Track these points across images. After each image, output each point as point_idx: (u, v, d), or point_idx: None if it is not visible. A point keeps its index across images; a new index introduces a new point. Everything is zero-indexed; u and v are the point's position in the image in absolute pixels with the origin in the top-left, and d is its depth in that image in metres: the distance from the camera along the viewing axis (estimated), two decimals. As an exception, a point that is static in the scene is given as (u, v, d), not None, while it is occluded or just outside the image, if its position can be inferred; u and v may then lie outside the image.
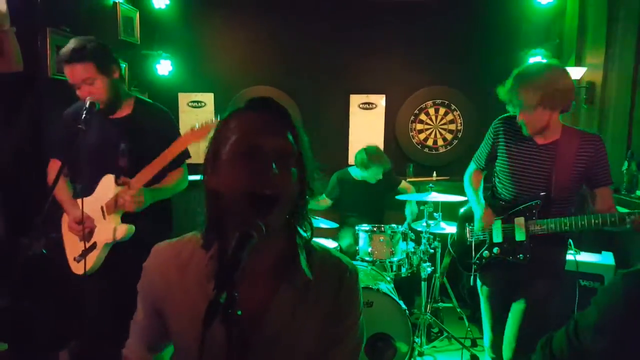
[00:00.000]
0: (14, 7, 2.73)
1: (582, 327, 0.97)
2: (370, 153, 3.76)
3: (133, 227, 2.24)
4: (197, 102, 4.80)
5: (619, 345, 0.88)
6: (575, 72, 3.48)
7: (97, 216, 2.27)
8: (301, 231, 1.02)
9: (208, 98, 4.78)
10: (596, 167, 2.04)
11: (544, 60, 2.07)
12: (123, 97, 2.31)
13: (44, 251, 2.30)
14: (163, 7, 4.51)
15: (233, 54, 4.77)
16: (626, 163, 2.92)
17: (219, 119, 1.03)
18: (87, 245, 2.29)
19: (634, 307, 0.84)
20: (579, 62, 3.59)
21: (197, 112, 4.79)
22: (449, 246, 2.59)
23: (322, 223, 3.60)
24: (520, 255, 2.16)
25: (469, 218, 2.44)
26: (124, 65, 4.26)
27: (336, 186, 3.98)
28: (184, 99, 4.81)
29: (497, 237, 2.25)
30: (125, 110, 2.32)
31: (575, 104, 2.11)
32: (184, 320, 0.99)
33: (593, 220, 1.97)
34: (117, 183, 2.21)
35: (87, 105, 2.14)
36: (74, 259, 2.34)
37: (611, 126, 3.30)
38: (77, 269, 2.33)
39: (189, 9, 4.64)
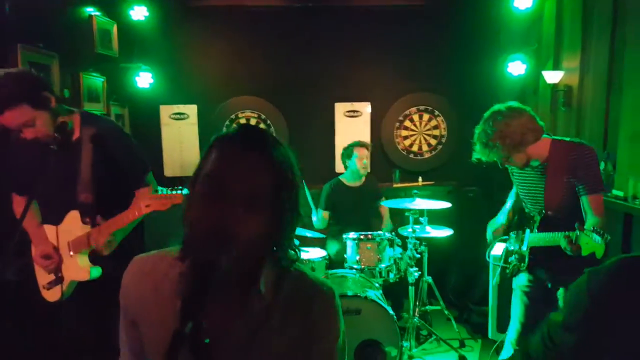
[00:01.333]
0: None
1: (553, 326, 1.02)
2: (350, 143, 4.04)
3: (100, 270, 2.21)
4: (180, 114, 4.90)
5: (587, 341, 0.93)
6: (553, 76, 3.68)
7: (64, 250, 2.25)
8: (280, 258, 1.02)
9: (191, 110, 4.88)
10: (580, 174, 2.19)
11: (492, 109, 2.30)
12: (69, 121, 2.17)
13: (14, 277, 2.36)
14: (142, 18, 4.52)
15: (216, 65, 4.85)
16: (603, 164, 3.10)
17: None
18: (56, 277, 2.28)
19: (598, 304, 0.89)
20: (556, 66, 3.79)
21: (180, 125, 4.89)
22: (487, 255, 2.76)
23: (309, 233, 3.73)
24: (522, 263, 2.42)
25: (514, 227, 2.68)
26: (102, 79, 4.26)
27: (329, 195, 4.12)
28: (165, 111, 4.90)
29: (516, 246, 2.53)
30: (74, 133, 2.21)
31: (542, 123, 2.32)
32: (155, 334, 1.00)
33: (546, 238, 2.21)
34: (84, 222, 2.16)
35: (58, 125, 2.08)
36: (43, 286, 2.34)
37: (588, 128, 3.49)
38: (48, 296, 2.34)
39: (169, 20, 4.70)
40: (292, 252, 1.03)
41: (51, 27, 3.55)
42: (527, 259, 2.38)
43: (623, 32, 3.26)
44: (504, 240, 2.67)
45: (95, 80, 4.21)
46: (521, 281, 2.55)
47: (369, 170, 4.10)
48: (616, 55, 3.32)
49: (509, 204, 2.74)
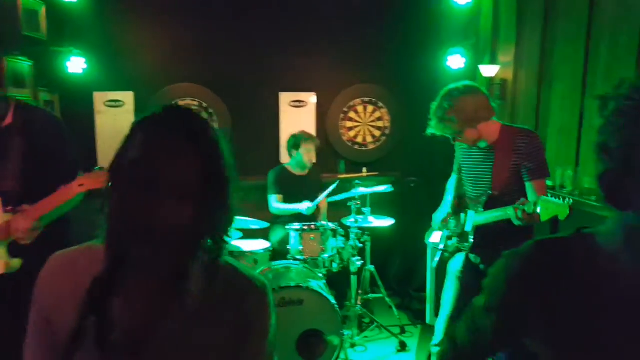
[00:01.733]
0: None
1: (475, 311, 1.04)
2: (297, 133, 4.06)
3: (19, 262, 2.11)
4: (115, 101, 4.69)
5: (505, 324, 0.96)
6: (490, 70, 3.83)
7: None
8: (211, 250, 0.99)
9: (127, 97, 4.68)
10: (526, 161, 2.32)
11: (450, 86, 2.42)
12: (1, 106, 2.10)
13: None
14: (74, 0, 4.33)
15: (155, 50, 4.68)
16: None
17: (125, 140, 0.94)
18: None
19: (513, 288, 0.91)
20: (493, 60, 3.94)
21: (116, 112, 4.69)
22: (426, 238, 2.94)
23: (253, 224, 3.70)
24: (466, 244, 2.51)
25: (453, 211, 2.79)
26: (29, 63, 4.05)
27: (277, 180, 4.11)
28: (100, 98, 4.68)
29: (459, 228, 2.65)
30: (6, 120, 2.12)
31: (494, 104, 2.45)
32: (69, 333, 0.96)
33: (492, 214, 2.29)
34: (5, 210, 2.05)
35: None
36: None
37: (522, 120, 3.66)
38: None
39: (104, 3, 4.48)
40: (223, 246, 0.99)
41: None
42: (470, 239, 2.47)
43: (554, 29, 3.44)
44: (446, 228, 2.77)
45: (21, 64, 3.98)
46: (455, 267, 2.68)
47: (314, 162, 4.12)
48: (547, 51, 3.49)
49: (450, 195, 2.83)
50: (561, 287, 0.86)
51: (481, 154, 2.49)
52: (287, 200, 4.08)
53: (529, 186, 2.34)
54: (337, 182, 3.93)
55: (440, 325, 2.72)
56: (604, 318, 0.83)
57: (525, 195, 2.33)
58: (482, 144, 2.45)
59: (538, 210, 2.02)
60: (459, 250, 2.60)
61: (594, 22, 3.03)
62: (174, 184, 0.86)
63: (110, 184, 0.90)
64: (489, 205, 2.39)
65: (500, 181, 2.38)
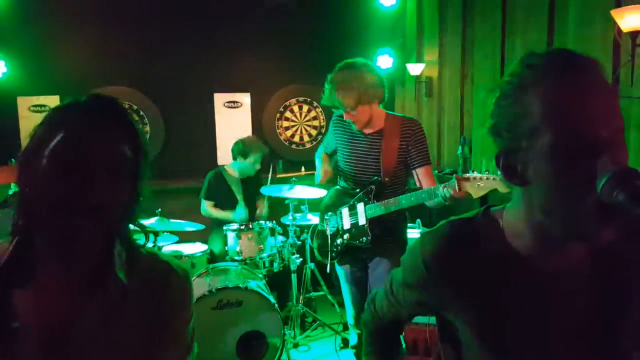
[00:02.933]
0: None
1: (394, 284, 1.08)
2: (245, 140, 3.86)
3: None
4: (41, 106, 4.36)
5: (426, 300, 1.00)
6: (416, 68, 3.86)
7: None
8: (134, 235, 0.99)
9: (53, 101, 4.36)
10: (414, 148, 2.24)
11: (352, 60, 2.32)
12: None
13: None
14: (-7, 0, 4.01)
15: (81, 52, 4.40)
16: (460, 148, 3.32)
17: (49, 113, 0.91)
18: None
19: (430, 267, 0.93)
20: (419, 59, 3.98)
21: (41, 117, 4.30)
22: (307, 236, 2.68)
23: (188, 226, 3.52)
24: (363, 238, 2.33)
25: (328, 208, 2.57)
26: None
27: (211, 186, 3.93)
28: (24, 103, 4.34)
29: (346, 224, 2.42)
30: None
31: (387, 96, 2.32)
32: None
33: (411, 198, 2.18)
34: None
35: None
36: None
37: (447, 116, 3.71)
38: None
39: (27, 4, 4.19)
40: (141, 232, 1.00)
41: None
42: (369, 231, 2.30)
43: (472, 29, 3.51)
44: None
45: None
46: (344, 269, 2.51)
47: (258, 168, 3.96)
48: (467, 50, 3.56)
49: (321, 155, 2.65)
50: (473, 265, 0.88)
51: (366, 141, 2.32)
52: (221, 203, 3.92)
53: (419, 172, 2.27)
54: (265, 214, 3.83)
55: (351, 325, 2.58)
56: (510, 294, 0.85)
57: (404, 185, 2.30)
58: (367, 129, 2.32)
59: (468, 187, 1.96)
60: (349, 247, 2.41)
61: (507, 22, 3.11)
62: (107, 162, 0.86)
63: (25, 168, 0.87)
64: (377, 193, 2.28)
65: (389, 168, 2.27)
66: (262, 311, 2.92)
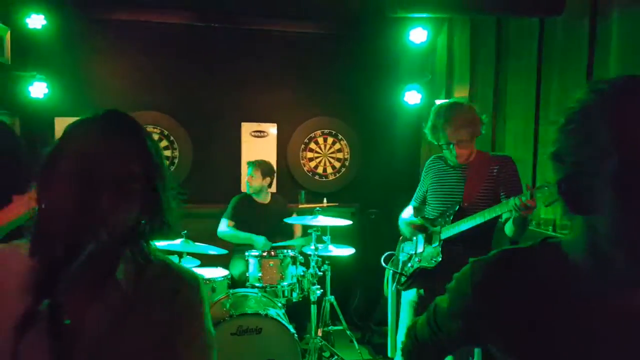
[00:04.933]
0: None
1: (438, 312, 0.99)
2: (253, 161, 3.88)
3: None
4: (77, 127, 4.34)
5: (470, 330, 0.90)
6: (445, 104, 3.71)
7: None
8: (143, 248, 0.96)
9: (89, 123, 4.34)
10: (506, 183, 2.23)
11: (451, 100, 2.40)
12: None
13: None
14: (39, 27, 4.03)
15: (118, 78, 4.40)
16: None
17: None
18: None
19: (479, 295, 0.86)
20: (448, 96, 3.85)
21: (76, 138, 4.32)
22: (382, 261, 2.65)
23: (211, 250, 3.35)
24: (433, 260, 2.25)
25: (405, 238, 2.59)
26: None
27: (235, 206, 3.82)
28: (61, 123, 4.27)
29: (420, 248, 2.39)
30: None
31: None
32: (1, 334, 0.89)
33: (484, 213, 2.11)
34: None
35: None
36: None
37: (477, 153, 3.53)
38: None
39: (68, 31, 4.21)
40: (153, 243, 0.98)
41: None
42: (441, 253, 2.24)
43: (505, 67, 3.38)
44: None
45: None
46: (410, 295, 2.42)
47: (255, 190, 3.84)
48: (500, 88, 3.42)
49: (410, 210, 2.64)
50: (526, 297, 0.81)
51: (454, 173, 2.38)
52: (244, 227, 3.78)
53: None
54: (301, 241, 3.68)
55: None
56: (566, 333, 0.77)
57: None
58: (455, 162, 2.36)
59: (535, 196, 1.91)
60: (419, 271, 2.34)
61: (544, 60, 2.98)
62: (114, 178, 0.85)
63: (44, 182, 0.87)
64: (457, 217, 2.24)
65: (472, 195, 2.27)
66: (281, 340, 2.73)
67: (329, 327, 3.60)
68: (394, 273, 2.52)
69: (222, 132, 4.59)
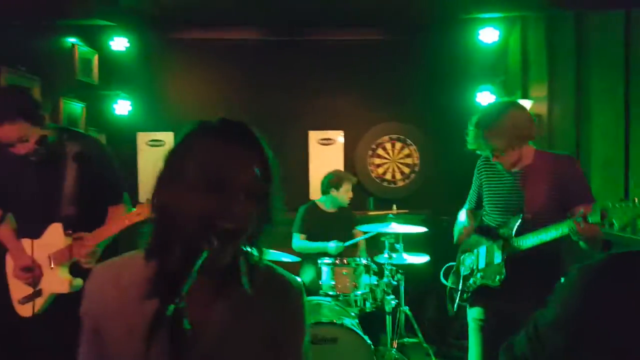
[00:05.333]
0: None
1: (541, 326, 0.92)
2: (335, 172, 3.83)
3: (81, 281, 2.11)
4: (156, 140, 4.60)
5: (578, 340, 0.83)
6: (523, 105, 3.53)
7: (44, 263, 2.14)
8: (252, 250, 0.98)
9: (168, 137, 4.57)
10: (571, 185, 1.97)
11: (496, 100, 2.11)
12: (58, 134, 2.16)
13: None
14: (122, 49, 4.35)
15: (192, 93, 4.63)
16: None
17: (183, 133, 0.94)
18: (34, 290, 2.15)
19: (590, 299, 0.80)
20: (524, 96, 3.66)
21: (156, 151, 4.57)
22: (441, 276, 2.47)
23: (284, 257, 3.39)
24: (497, 277, 2.04)
25: (466, 249, 2.38)
26: (81, 105, 4.13)
27: (304, 219, 3.84)
28: (142, 138, 4.60)
29: (481, 263, 2.18)
30: (59, 148, 2.14)
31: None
32: (120, 341, 0.93)
33: (550, 231, 1.86)
34: (66, 234, 2.08)
35: (38, 139, 2.00)
36: (18, 301, 2.16)
37: (559, 154, 3.31)
38: (21, 311, 2.19)
39: (148, 51, 4.51)
40: (259, 247, 0.99)
41: (35, 53, 3.52)
42: (503, 270, 2.02)
43: (587, 63, 3.15)
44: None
45: (75, 106, 4.11)
46: (475, 313, 2.21)
47: (338, 201, 3.82)
48: (583, 86, 3.18)
49: (464, 214, 2.45)
50: (636, 305, 0.75)
51: (511, 179, 2.10)
52: (315, 237, 3.78)
53: (577, 211, 1.92)
54: (372, 233, 3.58)
55: None
56: None
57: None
58: (515, 167, 2.09)
59: (606, 217, 1.62)
60: (482, 288, 2.14)
61: (631, 54, 2.73)
62: (244, 184, 0.87)
63: (163, 189, 0.90)
64: (521, 231, 2.00)
65: (534, 206, 2.01)
66: (357, 351, 2.68)
67: (404, 339, 3.50)
68: (454, 290, 2.32)
69: (290, 141, 4.65)
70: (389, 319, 3.20)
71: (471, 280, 2.21)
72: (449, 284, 2.38)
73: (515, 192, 2.09)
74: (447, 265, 2.46)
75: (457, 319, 3.64)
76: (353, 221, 3.91)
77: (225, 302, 0.93)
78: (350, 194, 3.79)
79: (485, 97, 3.83)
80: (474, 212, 2.43)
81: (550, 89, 3.43)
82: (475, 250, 2.24)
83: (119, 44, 4.32)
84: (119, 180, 2.29)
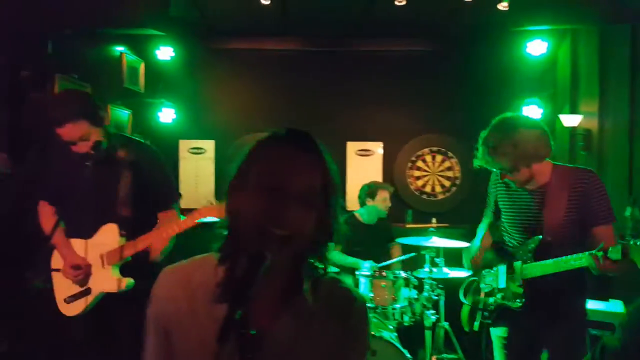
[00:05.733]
0: (27, 54, 2.98)
1: (609, 351, 0.90)
2: (371, 182, 3.85)
3: (133, 281, 2.17)
4: (198, 148, 4.71)
5: None
6: (571, 120, 3.44)
7: (94, 262, 2.19)
8: (316, 263, 0.98)
9: (209, 145, 4.69)
10: (591, 203, 1.88)
11: (507, 115, 2.03)
12: (116, 140, 2.25)
13: (45, 285, 2.27)
14: (167, 58, 4.49)
15: (234, 103, 4.73)
16: (629, 209, 2.81)
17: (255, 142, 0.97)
18: (81, 289, 2.19)
19: None
20: (573, 110, 3.56)
21: (197, 159, 4.69)
22: (460, 293, 2.38)
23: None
24: (517, 300, 1.99)
25: (486, 265, 2.30)
26: (128, 112, 4.27)
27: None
28: (184, 145, 4.72)
29: (501, 283, 2.11)
30: (118, 153, 2.23)
31: (554, 145, 2.01)
32: (191, 345, 0.95)
33: (572, 261, 1.80)
34: (121, 235, 2.15)
35: (92, 145, 2.10)
36: (64, 300, 2.21)
37: (611, 172, 3.21)
38: (66, 310, 2.23)
39: (192, 60, 4.64)
40: (324, 259, 0.98)
41: (86, 61, 3.70)
42: (523, 294, 1.97)
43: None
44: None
45: (122, 113, 4.24)
46: (499, 331, 2.18)
47: (378, 211, 3.81)
48: (637, 99, 3.08)
49: (480, 235, 2.34)
50: None
51: (528, 197, 2.02)
52: (350, 249, 3.77)
53: (597, 232, 1.87)
54: (411, 255, 3.55)
55: None
56: None
57: (578, 247, 1.85)
58: (531, 185, 2.00)
59: (627, 255, 1.58)
60: (502, 308, 2.08)
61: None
62: (300, 192, 0.88)
63: (232, 195, 0.92)
64: (540, 253, 1.93)
65: (554, 227, 1.93)
66: (397, 366, 2.65)
67: (443, 355, 3.44)
68: (475, 308, 2.24)
69: (328, 151, 4.65)
70: (428, 333, 3.16)
71: (492, 300, 2.15)
72: (468, 302, 2.29)
73: (533, 212, 2.01)
74: (468, 280, 2.38)
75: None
76: (390, 235, 3.89)
77: (288, 312, 0.94)
78: (388, 203, 3.77)
79: (532, 111, 3.75)
80: (494, 226, 2.34)
81: (602, 104, 3.33)
82: (494, 268, 2.18)
83: (165, 53, 4.46)
84: (171, 188, 2.37)
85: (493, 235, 2.30)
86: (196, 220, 2.06)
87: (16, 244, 2.80)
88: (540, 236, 1.95)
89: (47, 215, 2.32)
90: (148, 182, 2.22)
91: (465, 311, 2.31)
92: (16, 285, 2.40)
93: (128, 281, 2.16)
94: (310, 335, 0.95)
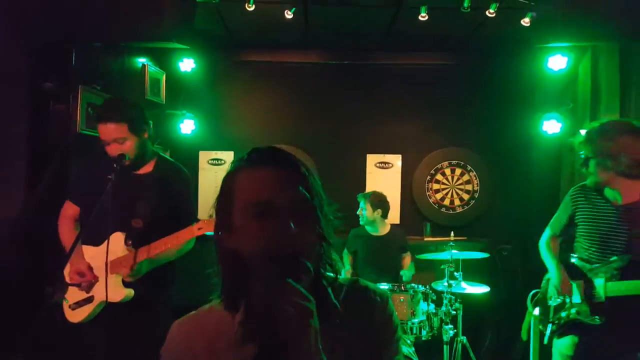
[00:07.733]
0: (50, 65, 3.04)
1: None
2: (358, 194, 3.99)
3: (132, 292, 2.20)
4: (217, 159, 4.87)
5: None
6: (592, 135, 3.51)
7: (100, 270, 2.22)
8: (326, 272, 1.00)
9: (228, 156, 4.84)
10: None
11: (611, 120, 2.10)
12: (148, 155, 2.35)
13: (65, 300, 2.32)
14: (189, 70, 4.62)
15: (254, 115, 4.86)
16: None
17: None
18: (86, 296, 2.25)
19: None
20: (594, 125, 3.63)
21: (216, 170, 4.85)
22: (528, 303, 2.46)
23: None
24: (596, 317, 2.04)
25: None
26: (149, 123, 4.42)
27: (350, 241, 3.97)
28: (204, 156, 4.88)
29: (576, 298, 2.16)
30: (147, 168, 2.35)
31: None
32: None
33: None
34: (126, 244, 2.19)
35: (116, 157, 2.18)
36: (69, 306, 2.29)
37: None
38: (71, 316, 2.29)
39: (214, 73, 4.78)
40: (334, 264, 1.00)
41: (109, 72, 3.79)
42: (605, 312, 2.02)
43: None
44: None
45: None
46: (564, 343, 2.20)
47: (369, 221, 3.91)
48: (659, 116, 3.16)
49: (553, 260, 2.37)
50: None
51: (614, 214, 2.07)
52: (362, 260, 3.89)
53: None
54: (407, 273, 3.74)
55: None
56: None
57: None
58: (619, 200, 2.07)
59: None
60: (574, 322, 2.14)
61: None
62: (284, 206, 0.88)
63: (219, 219, 0.94)
64: (628, 272, 1.97)
65: None
66: (415, 381, 2.74)
67: (461, 370, 3.52)
68: (545, 321, 2.31)
69: (348, 164, 4.79)
70: (446, 348, 3.25)
71: (563, 314, 2.19)
72: (538, 313, 2.35)
73: (618, 229, 2.05)
74: (534, 290, 2.45)
75: (514, 350, 3.62)
76: (403, 247, 3.98)
77: (324, 325, 0.90)
78: (369, 211, 3.85)
79: (551, 126, 3.84)
80: (557, 239, 2.41)
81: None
82: (575, 282, 2.20)
83: (187, 65, 4.59)
84: (190, 210, 2.41)
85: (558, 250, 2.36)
86: (196, 234, 2.13)
87: (34, 257, 2.87)
88: (630, 255, 1.99)
89: (67, 227, 2.38)
90: (171, 200, 2.27)
91: (527, 320, 2.41)
92: (35, 299, 2.39)
93: (128, 292, 2.19)
94: (344, 340, 0.96)
